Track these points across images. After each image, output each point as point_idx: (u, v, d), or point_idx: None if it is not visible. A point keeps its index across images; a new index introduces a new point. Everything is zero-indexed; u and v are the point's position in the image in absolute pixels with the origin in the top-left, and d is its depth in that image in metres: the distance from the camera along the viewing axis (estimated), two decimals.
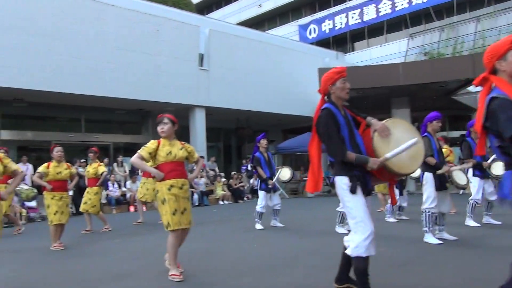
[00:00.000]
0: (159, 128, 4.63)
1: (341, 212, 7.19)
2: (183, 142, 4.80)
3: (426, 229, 5.84)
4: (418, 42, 25.99)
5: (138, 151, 4.52)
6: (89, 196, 8.68)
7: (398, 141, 3.32)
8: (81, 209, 8.87)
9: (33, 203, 11.11)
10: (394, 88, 16.15)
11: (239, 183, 16.80)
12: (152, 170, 4.52)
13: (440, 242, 5.72)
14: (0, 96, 13.26)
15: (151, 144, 4.57)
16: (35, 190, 8.97)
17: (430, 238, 5.81)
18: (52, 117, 16.75)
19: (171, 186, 4.44)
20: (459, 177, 6.43)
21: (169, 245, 4.49)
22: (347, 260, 3.49)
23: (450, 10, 25.70)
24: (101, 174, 8.71)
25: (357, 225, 3.26)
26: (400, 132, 3.39)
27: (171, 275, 4.38)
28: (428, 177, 5.88)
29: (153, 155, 4.52)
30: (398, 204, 8.56)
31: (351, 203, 3.31)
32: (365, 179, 3.35)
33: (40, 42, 12.82)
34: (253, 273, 4.60)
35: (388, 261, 4.86)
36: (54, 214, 6.78)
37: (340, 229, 7.18)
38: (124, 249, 6.65)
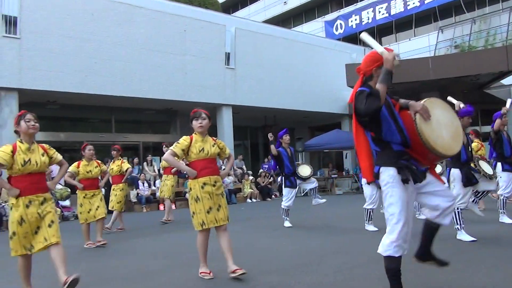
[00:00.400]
0: (196, 123, 4.50)
1: (368, 209, 7.11)
2: (214, 138, 4.69)
3: (458, 226, 5.71)
4: (448, 35, 25.35)
5: (171, 148, 4.44)
6: (115, 192, 8.82)
7: (439, 121, 3.14)
8: (110, 207, 8.94)
9: (66, 202, 11.43)
10: (423, 82, 15.85)
11: (268, 180, 16.80)
12: (185, 168, 4.45)
13: (474, 239, 5.57)
14: (34, 98, 13.67)
15: (184, 140, 4.46)
16: (69, 190, 9.21)
17: (463, 236, 5.68)
18: (84, 118, 17.17)
19: (204, 183, 4.36)
20: (486, 167, 6.22)
21: (198, 243, 4.45)
22: (428, 235, 3.37)
23: (481, 1, 24.97)
24: (126, 170, 8.79)
25: (392, 224, 3.07)
26: (440, 112, 3.22)
27: (201, 272, 4.40)
28: (455, 173, 5.73)
29: (186, 151, 4.43)
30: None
31: (393, 198, 3.05)
32: (412, 165, 3.07)
33: (71, 45, 13.18)
34: (281, 271, 4.60)
35: None
36: (88, 212, 6.89)
37: (369, 227, 7.11)
38: (154, 247, 6.76)
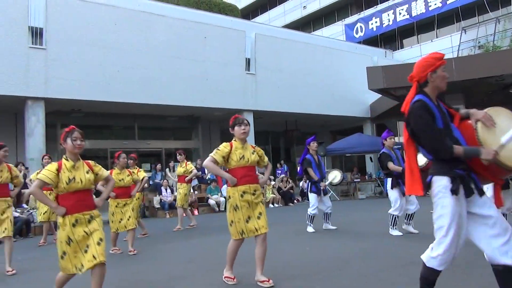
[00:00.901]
0: (239, 129, 4.42)
1: (393, 215, 7.02)
2: (253, 146, 4.60)
3: None
4: (472, 36, 24.90)
5: (211, 155, 4.35)
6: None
7: (503, 130, 2.84)
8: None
9: None
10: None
11: (289, 185, 16.76)
12: (226, 175, 4.36)
13: None
14: (60, 107, 13.99)
15: (224, 147, 4.38)
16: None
17: None
18: (107, 126, 17.46)
19: (244, 192, 4.30)
20: None
21: (230, 249, 4.41)
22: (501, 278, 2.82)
23: (505, 0, 24.47)
24: (142, 179, 8.47)
25: (441, 236, 2.83)
26: (504, 121, 2.93)
27: (226, 277, 4.42)
28: None
29: (226, 158, 4.36)
30: None
31: (443, 209, 2.81)
32: (470, 178, 2.83)
33: (95, 54, 13.45)
34: (305, 276, 4.58)
35: (465, 259, 4.69)
36: (119, 221, 6.88)
37: (394, 232, 7.02)
38: (177, 252, 6.81)
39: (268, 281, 4.18)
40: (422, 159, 8.05)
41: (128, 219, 6.84)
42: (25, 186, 9.26)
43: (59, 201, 3.69)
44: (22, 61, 12.35)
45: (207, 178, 14.91)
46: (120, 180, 7.01)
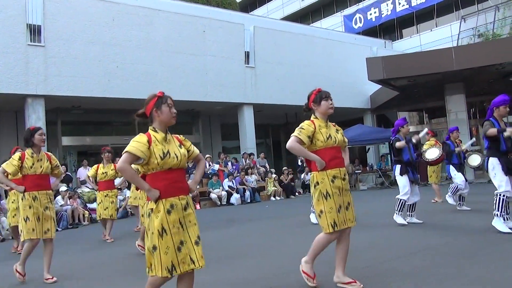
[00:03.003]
0: (327, 104, 3.85)
1: (401, 200, 7.02)
2: (334, 124, 4.00)
3: (498, 212, 5.55)
4: (471, 24, 24.78)
5: (295, 134, 3.75)
6: (111, 199, 7.90)
7: None
8: (106, 216, 7.88)
9: (94, 205, 11.65)
10: (447, 73, 15.56)
11: (290, 178, 16.77)
12: (315, 157, 3.70)
13: (510, 231, 5.45)
14: (60, 104, 13.98)
15: (308, 125, 3.78)
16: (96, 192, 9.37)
17: (499, 224, 5.53)
18: (108, 122, 17.46)
19: (334, 177, 3.71)
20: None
21: (319, 243, 3.83)
22: None
23: None
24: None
25: None
26: None
27: (304, 273, 3.91)
28: (494, 162, 5.58)
29: (311, 139, 3.76)
30: (460, 193, 8.39)
31: None
32: None
33: (94, 51, 13.43)
34: None
35: (454, 252, 4.73)
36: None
37: (398, 218, 7.04)
38: None
39: (356, 282, 3.69)
40: (434, 153, 8.12)
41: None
42: None
43: (148, 182, 2.97)
44: (21, 58, 12.31)
45: (208, 172, 14.92)
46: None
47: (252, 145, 17.22)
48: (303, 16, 32.93)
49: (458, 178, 8.37)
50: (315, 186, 3.75)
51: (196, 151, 3.32)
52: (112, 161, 8.07)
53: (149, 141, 3.00)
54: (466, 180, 8.45)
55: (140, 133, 3.08)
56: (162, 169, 2.95)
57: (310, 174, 3.85)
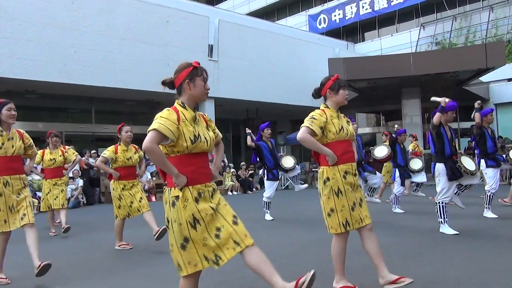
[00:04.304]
0: (343, 93, 3.52)
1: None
2: (344, 115, 3.69)
3: (442, 220, 5.80)
4: (430, 32, 25.67)
5: (306, 125, 3.41)
6: (61, 188, 7.34)
7: None
8: (57, 206, 7.29)
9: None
10: (405, 78, 16.02)
11: (248, 173, 16.82)
12: (327, 151, 3.39)
13: (456, 232, 5.68)
14: (12, 87, 13.38)
15: (320, 115, 3.43)
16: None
17: (446, 229, 5.77)
18: (63, 108, 16.90)
19: (346, 172, 3.42)
20: (468, 163, 6.33)
21: (336, 251, 3.59)
22: None
23: None
24: (74, 161, 7.57)
25: None
26: None
27: None
28: (440, 167, 5.78)
29: (322, 130, 3.44)
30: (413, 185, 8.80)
31: None
32: None
33: (52, 34, 12.93)
34: None
35: (400, 251, 4.88)
36: (130, 206, 5.76)
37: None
38: (134, 239, 6.70)
39: (404, 278, 3.34)
40: (383, 151, 8.30)
41: (140, 201, 5.84)
42: None
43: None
44: None
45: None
46: (128, 159, 5.86)
47: None
48: (268, 13, 33.01)
49: (397, 184, 8.58)
50: (325, 182, 3.44)
51: (220, 134, 3.01)
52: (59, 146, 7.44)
53: (178, 119, 2.60)
54: (403, 185, 8.61)
55: (167, 108, 2.67)
56: (192, 152, 2.62)
57: (319, 169, 3.55)
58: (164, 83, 2.78)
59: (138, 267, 4.73)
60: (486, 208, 7.20)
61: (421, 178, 8.80)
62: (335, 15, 29.54)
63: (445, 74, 15.70)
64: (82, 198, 12.68)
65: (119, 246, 5.82)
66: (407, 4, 26.49)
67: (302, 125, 3.43)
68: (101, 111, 17.17)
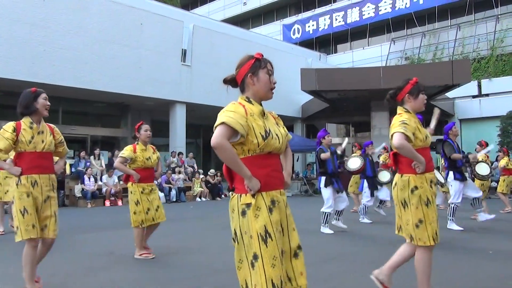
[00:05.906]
0: (423, 97, 3.44)
1: (325, 213, 7.23)
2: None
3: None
4: (400, 47, 26.36)
5: (399, 131, 3.15)
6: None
7: None
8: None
9: None
10: (374, 91, 16.34)
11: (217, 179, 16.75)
12: (421, 159, 3.17)
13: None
14: None
15: (409, 119, 3.28)
16: None
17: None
18: None
19: (431, 181, 3.27)
20: (438, 176, 6.49)
21: (422, 263, 3.42)
22: None
23: (431, 17, 26.15)
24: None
25: None
26: None
27: None
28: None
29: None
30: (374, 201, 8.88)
31: None
32: None
33: (20, 31, 12.58)
34: (231, 270, 4.59)
35: (366, 259, 4.94)
36: (147, 212, 5.22)
37: (325, 230, 7.25)
38: (98, 244, 6.57)
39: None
40: (356, 162, 8.43)
41: (156, 210, 5.37)
42: None
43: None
44: None
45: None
46: (147, 159, 5.34)
47: (182, 144, 17.00)
48: (243, 21, 33.18)
49: (365, 194, 8.73)
50: (412, 191, 3.20)
51: (290, 135, 2.60)
52: None
53: (246, 113, 2.29)
54: (373, 195, 8.73)
55: (232, 101, 2.39)
56: (262, 152, 2.25)
57: (401, 177, 3.31)
58: (225, 81, 2.52)
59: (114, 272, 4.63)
60: (450, 220, 7.40)
61: (385, 195, 8.80)
62: (309, 26, 29.96)
63: None
64: None
65: (139, 255, 5.21)
66: (378, 19, 27.17)
67: (394, 131, 3.19)
68: (69, 112, 16.77)
